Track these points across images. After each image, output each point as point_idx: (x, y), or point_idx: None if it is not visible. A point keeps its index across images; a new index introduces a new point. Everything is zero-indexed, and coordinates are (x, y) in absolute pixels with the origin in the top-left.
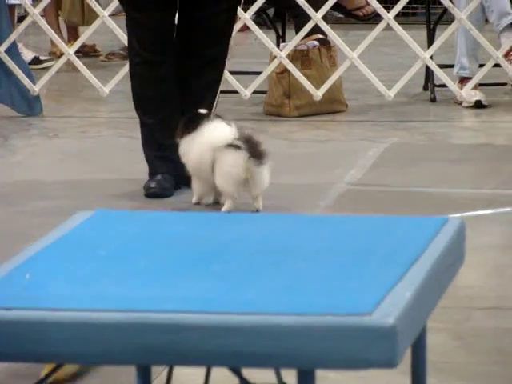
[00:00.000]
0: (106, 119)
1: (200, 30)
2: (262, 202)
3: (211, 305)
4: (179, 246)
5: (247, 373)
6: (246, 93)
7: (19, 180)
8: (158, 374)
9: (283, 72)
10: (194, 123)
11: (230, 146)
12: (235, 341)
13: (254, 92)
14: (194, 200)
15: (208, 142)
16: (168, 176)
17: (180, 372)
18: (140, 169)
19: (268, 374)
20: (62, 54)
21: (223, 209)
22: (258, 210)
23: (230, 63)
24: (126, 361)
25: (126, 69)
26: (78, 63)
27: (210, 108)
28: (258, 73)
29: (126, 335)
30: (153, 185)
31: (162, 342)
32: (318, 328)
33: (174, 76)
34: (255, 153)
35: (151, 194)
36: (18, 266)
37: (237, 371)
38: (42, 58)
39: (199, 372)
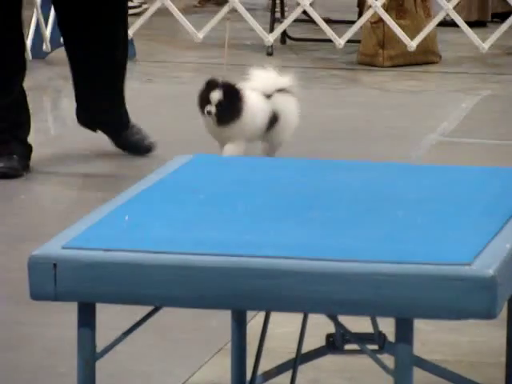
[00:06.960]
0: (199, 65)
1: None
2: None
3: (309, 251)
4: (278, 192)
5: (343, 320)
6: (340, 42)
7: None
8: (252, 317)
9: (378, 22)
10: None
11: (287, 92)
12: (333, 287)
13: (348, 41)
14: None
15: (262, 99)
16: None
17: (272, 319)
18: None
19: (363, 323)
20: None
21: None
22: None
23: (325, 11)
24: (223, 305)
25: (219, 15)
26: (173, 8)
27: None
28: (353, 22)
29: (223, 279)
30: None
31: (259, 288)
32: (416, 276)
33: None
34: None
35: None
36: (117, 207)
37: (333, 318)
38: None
39: (292, 319)
